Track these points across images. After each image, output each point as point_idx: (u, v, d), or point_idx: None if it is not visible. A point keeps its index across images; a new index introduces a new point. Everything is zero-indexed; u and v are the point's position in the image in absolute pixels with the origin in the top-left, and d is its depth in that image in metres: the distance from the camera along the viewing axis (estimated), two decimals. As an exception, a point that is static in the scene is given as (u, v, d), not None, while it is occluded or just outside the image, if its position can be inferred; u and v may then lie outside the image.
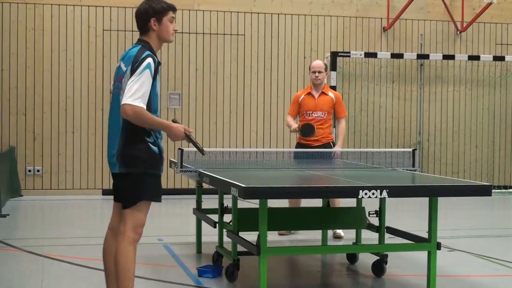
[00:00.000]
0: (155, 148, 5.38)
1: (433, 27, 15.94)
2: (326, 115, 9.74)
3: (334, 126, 10.48)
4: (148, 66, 5.21)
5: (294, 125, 9.67)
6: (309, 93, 9.85)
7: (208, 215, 8.17)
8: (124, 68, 5.33)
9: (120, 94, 5.28)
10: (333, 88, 14.77)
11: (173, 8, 5.59)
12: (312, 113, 9.73)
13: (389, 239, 7.82)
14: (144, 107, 5.17)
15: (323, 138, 9.67)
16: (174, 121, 5.49)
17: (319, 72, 9.78)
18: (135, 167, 5.33)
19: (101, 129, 14.43)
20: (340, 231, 9.43)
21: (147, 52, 5.31)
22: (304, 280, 7.50)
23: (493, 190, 6.61)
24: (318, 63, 9.90)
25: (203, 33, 14.86)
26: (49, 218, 12.25)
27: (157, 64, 5.32)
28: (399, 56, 15.32)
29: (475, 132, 16.19)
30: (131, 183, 5.36)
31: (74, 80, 14.36)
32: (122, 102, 5.15)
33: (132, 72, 5.21)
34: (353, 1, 15.56)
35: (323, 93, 9.82)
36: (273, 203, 6.72)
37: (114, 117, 5.40)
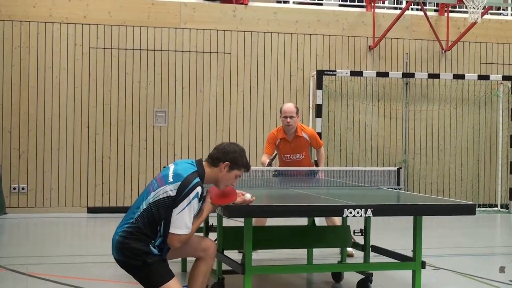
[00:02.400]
0: (154, 251, 5.59)
1: (418, 46, 16.03)
2: (303, 154, 9.72)
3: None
4: (197, 195, 5.51)
5: (267, 160, 9.59)
6: (284, 139, 9.72)
7: (193, 233, 8.15)
8: (171, 179, 5.54)
9: (150, 193, 5.59)
10: (319, 106, 14.85)
11: (247, 169, 5.88)
12: (290, 156, 9.71)
13: (374, 257, 7.82)
14: (190, 232, 5.55)
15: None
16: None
17: (291, 117, 9.55)
18: (134, 259, 5.56)
19: (87, 146, 14.40)
20: (350, 249, 9.25)
21: (198, 180, 5.55)
22: (289, 298, 7.48)
23: (478, 209, 6.66)
24: (289, 107, 9.63)
25: (189, 51, 14.88)
26: (34, 236, 12.19)
27: (203, 191, 5.62)
28: (385, 74, 15.39)
29: (460, 150, 16.25)
30: (134, 271, 5.64)
31: (60, 97, 14.34)
32: (172, 232, 5.49)
33: (179, 196, 5.47)
34: (339, 20, 15.64)
35: (297, 136, 9.68)
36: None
37: (137, 204, 5.68)
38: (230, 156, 5.72)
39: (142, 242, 5.52)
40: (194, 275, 5.82)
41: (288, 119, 9.54)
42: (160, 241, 5.57)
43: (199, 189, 5.50)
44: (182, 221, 5.44)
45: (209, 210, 5.80)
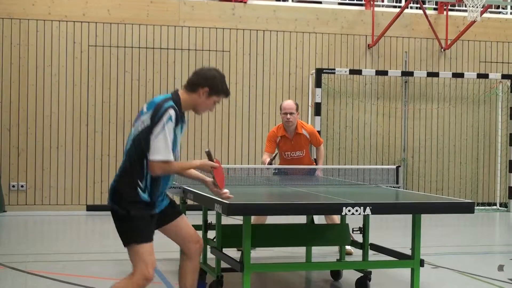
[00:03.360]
0: (143, 195, 5.37)
1: (418, 44, 16.04)
2: (304, 152, 9.71)
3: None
4: (170, 118, 5.29)
5: (268, 159, 9.57)
6: (284, 136, 9.71)
7: (192, 231, 8.15)
8: (145, 110, 5.38)
9: (131, 130, 5.45)
10: (318, 105, 14.85)
11: (226, 95, 5.73)
12: (290, 153, 9.70)
13: (372, 256, 7.82)
14: (172, 159, 5.32)
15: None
16: (207, 152, 5.77)
17: (291, 113, 9.50)
18: (119, 205, 5.38)
19: (86, 144, 14.41)
20: (349, 248, 9.26)
21: (170, 103, 5.36)
22: (288, 296, 7.49)
23: (477, 207, 6.66)
24: (289, 104, 9.60)
25: (188, 49, 14.88)
26: (33, 234, 12.20)
27: (178, 114, 5.39)
28: (384, 73, 15.39)
29: (459, 149, 16.26)
30: (117, 222, 5.49)
31: (59, 95, 14.34)
32: (150, 159, 5.26)
33: (153, 123, 5.27)
34: (338, 18, 15.64)
35: (297, 133, 9.66)
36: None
37: (126, 149, 5.47)
38: (210, 82, 5.54)
39: (131, 185, 5.32)
40: (181, 274, 5.77)
41: (288, 116, 9.53)
42: (150, 181, 5.37)
43: (171, 111, 5.28)
44: (158, 146, 5.22)
45: (203, 165, 5.76)
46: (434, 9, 16.43)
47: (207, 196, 6.33)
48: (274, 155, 9.77)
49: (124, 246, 5.42)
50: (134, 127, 5.41)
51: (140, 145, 5.31)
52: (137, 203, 5.34)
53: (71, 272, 8.23)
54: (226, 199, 5.66)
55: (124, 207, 5.33)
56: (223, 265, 6.87)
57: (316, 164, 9.88)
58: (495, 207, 15.97)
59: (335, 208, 5.91)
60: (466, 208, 6.27)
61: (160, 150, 5.23)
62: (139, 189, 5.33)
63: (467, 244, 11.27)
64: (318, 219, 10.43)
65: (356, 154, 15.63)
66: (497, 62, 16.44)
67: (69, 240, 11.37)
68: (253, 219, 9.59)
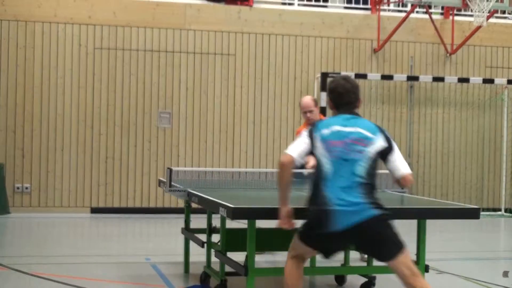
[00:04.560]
0: None
1: (423, 49, 16.01)
2: None
3: None
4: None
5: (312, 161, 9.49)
6: None
7: (196, 234, 8.15)
8: (370, 135, 5.45)
9: (362, 158, 5.37)
10: (323, 109, 14.82)
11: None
12: None
13: (377, 261, 7.79)
14: None
15: None
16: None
17: (310, 111, 9.47)
18: (385, 209, 5.39)
19: (90, 147, 14.40)
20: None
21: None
22: (292, 301, 7.44)
23: (482, 213, 6.62)
24: (307, 102, 9.27)
25: (194, 53, 14.88)
26: (37, 236, 12.18)
27: None
28: (389, 77, 15.36)
29: (464, 154, 16.23)
30: (389, 228, 5.42)
31: (64, 97, 14.35)
32: (407, 172, 5.46)
33: (389, 144, 5.47)
34: (344, 22, 15.63)
35: None
36: (262, 223, 6.70)
37: (347, 174, 5.35)
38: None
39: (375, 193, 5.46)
40: None
41: (308, 114, 9.44)
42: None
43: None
44: (403, 162, 5.51)
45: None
46: (440, 14, 16.41)
47: (211, 200, 6.31)
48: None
49: (391, 259, 5.39)
50: (362, 158, 5.39)
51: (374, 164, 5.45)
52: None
53: (74, 275, 8.21)
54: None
55: (387, 209, 5.41)
56: (227, 269, 6.85)
57: None
58: (500, 212, 15.94)
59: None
60: (472, 214, 6.26)
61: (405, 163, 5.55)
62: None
63: (472, 250, 11.24)
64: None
65: (361, 158, 15.57)
66: (503, 68, 16.42)
67: (73, 242, 11.36)
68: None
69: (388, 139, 5.51)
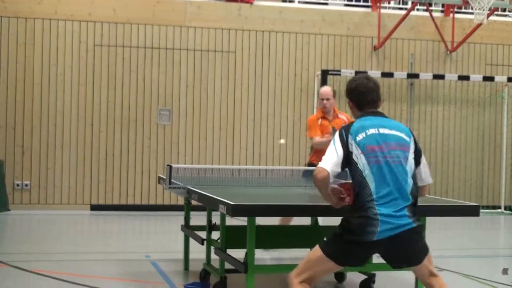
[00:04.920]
0: None
1: (424, 46, 16.01)
2: None
3: None
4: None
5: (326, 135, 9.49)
6: (324, 117, 9.74)
7: (196, 232, 8.14)
8: (407, 139, 5.36)
9: (405, 163, 5.28)
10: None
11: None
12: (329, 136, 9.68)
13: (377, 258, 7.79)
14: None
15: None
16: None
17: (327, 99, 9.58)
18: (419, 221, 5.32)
19: (90, 144, 14.40)
20: None
21: None
22: (291, 298, 7.44)
23: (481, 210, 6.62)
24: (326, 90, 9.67)
25: (194, 50, 14.87)
26: (37, 233, 12.18)
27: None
28: (389, 75, 15.36)
29: (465, 151, 16.23)
30: (422, 237, 5.35)
31: (64, 94, 14.34)
32: (430, 182, 5.59)
33: (417, 148, 5.45)
34: (344, 20, 15.62)
35: (336, 116, 9.68)
36: (262, 220, 6.71)
37: (397, 183, 5.20)
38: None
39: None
40: None
41: (325, 101, 9.56)
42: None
43: None
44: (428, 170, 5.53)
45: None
46: (441, 11, 16.39)
47: (211, 197, 6.31)
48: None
49: (418, 264, 5.30)
50: (406, 162, 5.30)
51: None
52: None
53: (74, 272, 8.21)
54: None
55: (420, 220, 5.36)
56: (227, 266, 6.85)
57: None
58: (499, 210, 15.95)
59: (341, 210, 5.87)
60: (472, 211, 6.26)
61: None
62: None
63: (472, 247, 11.24)
64: (323, 221, 10.39)
65: (361, 156, 15.57)
66: (503, 65, 16.41)
67: (73, 239, 11.36)
68: (279, 220, 9.60)
69: (417, 143, 5.45)
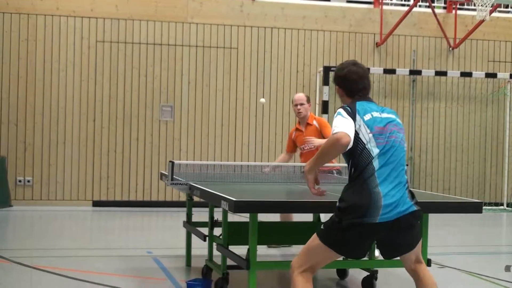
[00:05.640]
0: None
1: (426, 43, 15.99)
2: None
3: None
4: None
5: (267, 168, 9.57)
6: (297, 129, 9.76)
7: (198, 228, 8.14)
8: (401, 122, 5.35)
9: (403, 146, 5.25)
10: (326, 103, 14.82)
11: None
12: (304, 147, 9.69)
13: (379, 255, 7.79)
14: None
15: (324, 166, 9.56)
16: None
17: (301, 104, 9.58)
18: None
19: (92, 140, 14.41)
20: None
21: None
22: (293, 295, 7.44)
23: (484, 207, 6.61)
24: (299, 96, 9.75)
25: (196, 46, 14.87)
26: (39, 229, 12.19)
27: None
28: (392, 71, 15.34)
29: (467, 148, 16.22)
30: (419, 220, 5.31)
31: (66, 90, 14.35)
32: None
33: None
34: (346, 16, 15.60)
35: (308, 124, 9.65)
36: (264, 217, 6.70)
37: (398, 164, 5.16)
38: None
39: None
40: None
41: (298, 106, 9.60)
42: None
43: None
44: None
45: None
46: (443, 7, 16.37)
47: (213, 193, 6.31)
48: (279, 164, 9.71)
49: (409, 251, 5.28)
50: (402, 140, 5.28)
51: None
52: None
53: (76, 268, 8.22)
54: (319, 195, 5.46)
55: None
56: (229, 262, 6.84)
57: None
58: (502, 207, 15.93)
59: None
60: (474, 208, 6.24)
61: None
62: None
63: (474, 244, 11.23)
64: (325, 217, 10.39)
65: (363, 152, 15.56)
66: (505, 62, 16.39)
67: (75, 235, 11.37)
68: (280, 217, 9.60)
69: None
